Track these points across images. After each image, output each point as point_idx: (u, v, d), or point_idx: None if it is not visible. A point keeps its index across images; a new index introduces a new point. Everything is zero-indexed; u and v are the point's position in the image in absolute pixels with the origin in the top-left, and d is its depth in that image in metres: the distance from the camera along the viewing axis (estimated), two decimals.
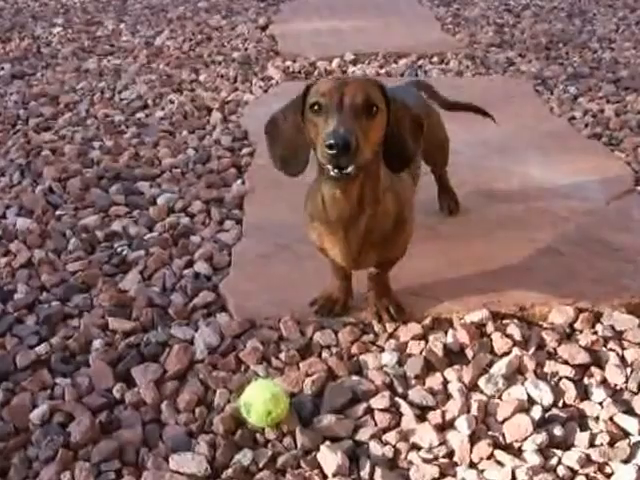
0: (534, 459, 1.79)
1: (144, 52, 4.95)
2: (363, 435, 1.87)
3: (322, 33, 5.34)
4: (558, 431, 1.86)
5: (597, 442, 1.85)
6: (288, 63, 4.66)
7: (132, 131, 3.62)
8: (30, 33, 5.56)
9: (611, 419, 1.91)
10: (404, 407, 1.94)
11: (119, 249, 2.64)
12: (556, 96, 4.09)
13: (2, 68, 4.72)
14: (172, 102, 3.97)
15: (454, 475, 1.77)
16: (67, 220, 2.83)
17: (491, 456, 1.81)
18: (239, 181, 3.07)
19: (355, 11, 6.08)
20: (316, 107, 1.77)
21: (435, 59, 4.72)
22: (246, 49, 4.97)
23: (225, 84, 4.26)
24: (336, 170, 1.73)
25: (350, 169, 1.73)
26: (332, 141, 1.65)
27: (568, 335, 2.20)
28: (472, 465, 1.80)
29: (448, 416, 1.92)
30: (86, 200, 2.97)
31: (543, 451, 1.82)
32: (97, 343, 2.19)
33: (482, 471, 1.77)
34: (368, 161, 1.79)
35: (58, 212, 2.91)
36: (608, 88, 4.19)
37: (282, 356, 2.12)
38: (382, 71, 4.51)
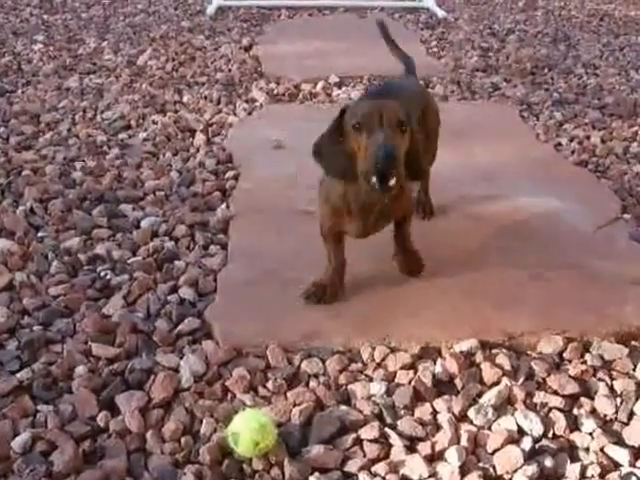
0: None
1: (126, 71, 4.91)
2: (352, 466, 1.85)
3: (306, 55, 5.31)
4: (549, 462, 1.85)
5: (588, 474, 1.84)
6: (272, 85, 4.63)
7: (115, 152, 3.58)
8: (11, 49, 5.50)
9: (602, 450, 1.90)
10: (393, 438, 1.92)
11: (102, 273, 2.61)
12: (542, 122, 4.09)
13: None
14: (155, 123, 3.94)
15: None
16: (49, 242, 2.79)
17: None
18: (224, 205, 3.04)
19: (339, 33, 6.06)
20: (357, 126, 2.07)
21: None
22: (230, 70, 4.94)
23: (209, 106, 4.23)
24: (379, 185, 2.03)
25: (392, 182, 2.03)
26: (379, 158, 1.97)
27: (557, 365, 2.19)
28: None
29: (438, 447, 1.90)
30: (68, 222, 2.94)
31: None
32: (80, 369, 2.15)
33: None
34: (402, 174, 2.12)
35: (40, 234, 2.87)
36: (594, 114, 4.20)
37: (269, 385, 2.10)
38: None
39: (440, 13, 6.73)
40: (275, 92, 4.52)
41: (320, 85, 4.60)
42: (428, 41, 5.90)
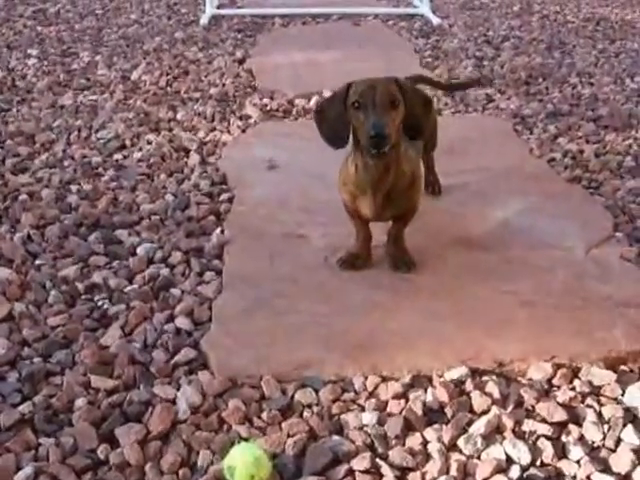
0: None
1: (120, 87, 4.94)
2: None
3: (300, 67, 5.34)
4: None
5: None
6: (266, 100, 4.67)
7: (110, 174, 3.62)
8: (5, 64, 5.53)
9: (588, 478, 1.93)
10: (385, 468, 1.95)
11: (100, 302, 2.65)
12: (536, 136, 4.12)
13: None
14: (150, 143, 3.97)
15: None
16: (47, 271, 2.83)
17: None
18: (218, 230, 3.07)
19: (333, 43, 6.08)
20: (356, 104, 2.43)
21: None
22: (223, 84, 4.96)
23: (203, 123, 4.26)
24: (375, 151, 2.41)
25: (386, 148, 2.41)
26: (373, 132, 2.34)
27: (546, 391, 2.22)
28: None
29: (428, 477, 1.93)
30: (65, 249, 2.97)
31: None
32: (80, 402, 2.19)
33: None
34: (396, 140, 2.47)
35: (37, 262, 2.90)
36: (588, 127, 4.23)
37: (264, 416, 2.13)
38: None
39: (435, 20, 6.75)
40: (269, 108, 4.55)
41: (314, 100, 4.62)
42: (422, 50, 5.92)
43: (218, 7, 7.21)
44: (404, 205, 2.71)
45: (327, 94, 4.65)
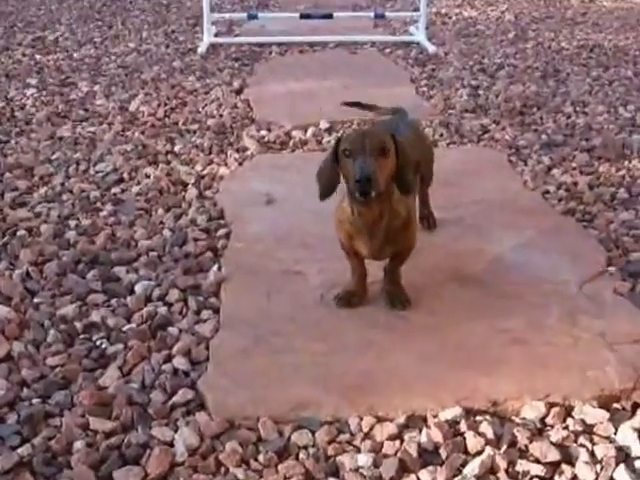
0: None
1: (119, 118, 4.97)
2: None
3: (297, 97, 5.39)
4: None
5: None
6: (263, 132, 4.69)
7: (108, 209, 3.64)
8: (4, 94, 5.57)
9: None
10: None
11: (98, 342, 2.66)
12: (530, 167, 4.14)
13: None
14: (148, 176, 3.99)
15: None
16: (45, 309, 2.85)
17: None
18: (215, 267, 3.09)
19: (330, 71, 6.13)
20: (347, 152, 2.46)
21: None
22: (221, 115, 5.00)
23: (200, 156, 4.29)
24: (361, 197, 2.42)
25: (372, 194, 2.41)
26: (359, 175, 2.36)
27: (540, 430, 2.24)
28: None
29: None
30: (64, 286, 2.99)
31: None
32: (79, 444, 2.20)
33: None
34: (383, 188, 2.47)
35: (36, 300, 2.91)
36: (581, 157, 4.26)
37: (260, 458, 2.14)
38: None
39: (430, 48, 6.80)
40: (266, 139, 4.58)
41: (310, 132, 4.66)
42: (418, 79, 5.96)
43: (216, 35, 7.27)
44: (401, 244, 2.74)
45: (324, 125, 4.69)
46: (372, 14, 7.75)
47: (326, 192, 2.62)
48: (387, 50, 6.95)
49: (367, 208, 2.57)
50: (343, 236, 2.75)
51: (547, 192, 3.82)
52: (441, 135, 4.64)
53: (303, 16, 7.41)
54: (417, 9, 7.35)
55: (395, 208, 2.63)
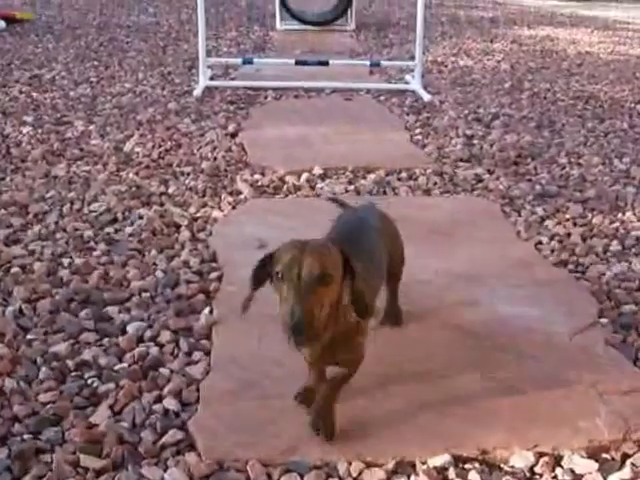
0: None
1: (113, 158, 5.00)
2: None
3: (291, 142, 5.43)
4: None
5: None
6: (257, 177, 4.72)
7: (101, 248, 3.66)
8: (0, 131, 5.59)
9: None
10: None
11: (89, 380, 2.67)
12: (523, 218, 4.17)
13: None
14: (141, 217, 4.01)
15: None
16: (38, 346, 2.86)
17: None
18: (207, 309, 3.11)
19: (325, 117, 6.18)
20: (280, 275, 2.02)
21: (404, 174, 4.78)
22: (215, 158, 5.03)
23: (194, 198, 4.32)
24: (295, 345, 2.01)
25: (306, 340, 2.00)
26: (289, 323, 1.93)
27: (528, 479, 2.25)
28: None
29: None
30: (56, 324, 3.00)
31: None
32: None
33: None
34: (325, 328, 2.07)
35: (29, 336, 2.93)
36: (575, 209, 4.29)
37: None
38: (351, 187, 4.57)
39: (426, 96, 6.85)
40: (260, 184, 4.60)
41: (304, 177, 4.68)
42: (412, 127, 6.00)
43: (211, 78, 7.33)
44: (344, 354, 2.33)
45: (318, 171, 4.72)
46: (368, 62, 7.80)
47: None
48: (382, 97, 7.01)
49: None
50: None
51: (540, 243, 3.85)
52: (435, 184, 4.66)
53: (299, 62, 7.45)
54: (413, 57, 7.41)
55: (344, 317, 2.20)
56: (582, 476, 2.27)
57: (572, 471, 2.28)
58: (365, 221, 2.72)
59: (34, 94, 6.79)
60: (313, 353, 2.29)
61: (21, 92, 6.85)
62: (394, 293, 3.01)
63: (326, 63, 7.38)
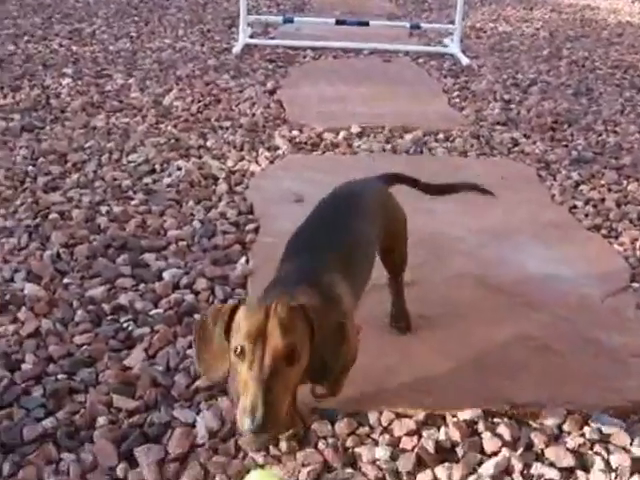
0: None
1: (152, 111, 5.02)
2: None
3: (329, 101, 5.42)
4: None
5: None
6: (295, 133, 4.74)
7: (139, 197, 3.69)
8: (40, 82, 5.62)
9: None
10: None
11: (125, 324, 2.71)
12: (559, 182, 4.17)
13: (12, 119, 4.79)
14: (179, 169, 4.04)
15: None
16: (74, 290, 2.90)
17: None
18: (243, 259, 3.14)
19: (362, 78, 6.15)
20: (239, 351, 1.75)
21: (441, 136, 4.77)
22: (254, 114, 5.05)
23: (232, 152, 4.34)
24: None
25: (264, 437, 1.89)
26: (248, 419, 1.66)
27: (556, 437, 2.26)
28: None
29: None
30: (93, 269, 3.04)
31: None
32: (102, 420, 2.25)
33: None
34: (285, 415, 1.79)
35: (66, 280, 2.97)
36: (610, 175, 4.27)
37: (280, 445, 2.18)
38: (388, 146, 4.58)
39: (464, 60, 6.80)
40: (297, 140, 4.61)
41: (342, 135, 4.69)
42: (450, 90, 5.96)
43: (251, 36, 7.30)
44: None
45: (355, 129, 4.71)
46: (408, 24, 7.74)
47: (212, 375, 1.96)
48: (421, 60, 6.97)
49: None
50: None
51: (574, 207, 3.84)
52: (471, 146, 4.65)
53: (339, 22, 7.41)
54: (452, 21, 7.37)
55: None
56: (609, 435, 2.28)
57: (600, 430, 2.29)
58: (355, 199, 2.43)
59: (74, 47, 6.80)
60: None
61: (61, 45, 6.86)
62: (398, 292, 2.75)
63: (366, 24, 7.33)
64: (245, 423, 1.67)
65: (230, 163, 4.17)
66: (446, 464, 2.13)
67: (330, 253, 2.11)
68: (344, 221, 2.28)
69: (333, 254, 2.09)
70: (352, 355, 2.04)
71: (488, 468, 2.11)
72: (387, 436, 2.23)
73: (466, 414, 2.30)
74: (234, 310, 1.85)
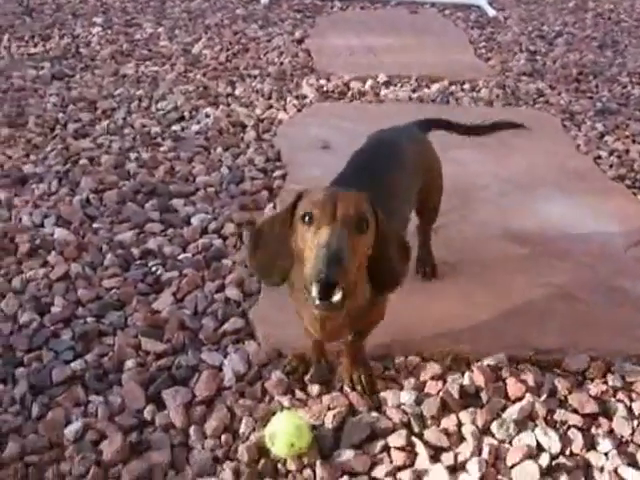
0: None
1: (181, 60, 5.03)
2: (379, 472, 1.96)
3: (356, 50, 5.42)
4: (564, 479, 1.94)
5: None
6: (322, 82, 4.73)
7: (168, 144, 3.71)
8: (70, 32, 5.64)
9: (615, 471, 1.99)
10: (419, 446, 2.03)
11: (153, 268, 2.74)
12: (583, 132, 4.15)
13: (42, 67, 4.81)
14: (208, 116, 4.05)
15: None
16: (104, 234, 2.93)
17: None
18: (270, 205, 3.16)
19: (389, 29, 6.12)
20: (307, 218, 1.70)
21: (467, 86, 4.76)
22: (281, 63, 5.05)
23: (260, 100, 4.35)
24: (321, 302, 1.64)
25: (337, 298, 1.63)
26: (321, 271, 1.57)
27: (579, 383, 2.28)
28: None
29: (460, 458, 2.01)
30: (122, 214, 3.07)
31: None
32: (130, 363, 2.29)
33: None
34: (355, 284, 1.72)
35: (95, 225, 3.00)
36: (635, 127, 4.24)
37: (306, 388, 2.21)
38: (414, 95, 4.57)
39: (490, 12, 6.75)
40: (325, 89, 4.61)
41: (369, 84, 4.68)
42: (477, 41, 5.93)
43: None
44: (363, 324, 2.09)
45: (382, 79, 4.71)
46: None
47: (271, 277, 1.86)
48: (447, 11, 6.91)
49: (325, 317, 1.87)
50: (296, 305, 2.02)
51: (599, 157, 3.83)
52: (497, 96, 4.63)
53: None
54: None
55: (359, 286, 1.83)
56: (632, 383, 2.29)
57: (622, 377, 2.30)
58: (395, 147, 2.34)
59: None
60: (326, 332, 1.93)
61: None
62: (426, 239, 2.75)
63: None
64: (314, 289, 1.62)
65: (258, 111, 4.17)
66: (470, 409, 2.15)
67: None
68: (384, 173, 2.19)
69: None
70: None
71: (512, 413, 2.13)
72: (412, 380, 2.24)
73: (490, 360, 2.32)
74: (299, 197, 1.80)
